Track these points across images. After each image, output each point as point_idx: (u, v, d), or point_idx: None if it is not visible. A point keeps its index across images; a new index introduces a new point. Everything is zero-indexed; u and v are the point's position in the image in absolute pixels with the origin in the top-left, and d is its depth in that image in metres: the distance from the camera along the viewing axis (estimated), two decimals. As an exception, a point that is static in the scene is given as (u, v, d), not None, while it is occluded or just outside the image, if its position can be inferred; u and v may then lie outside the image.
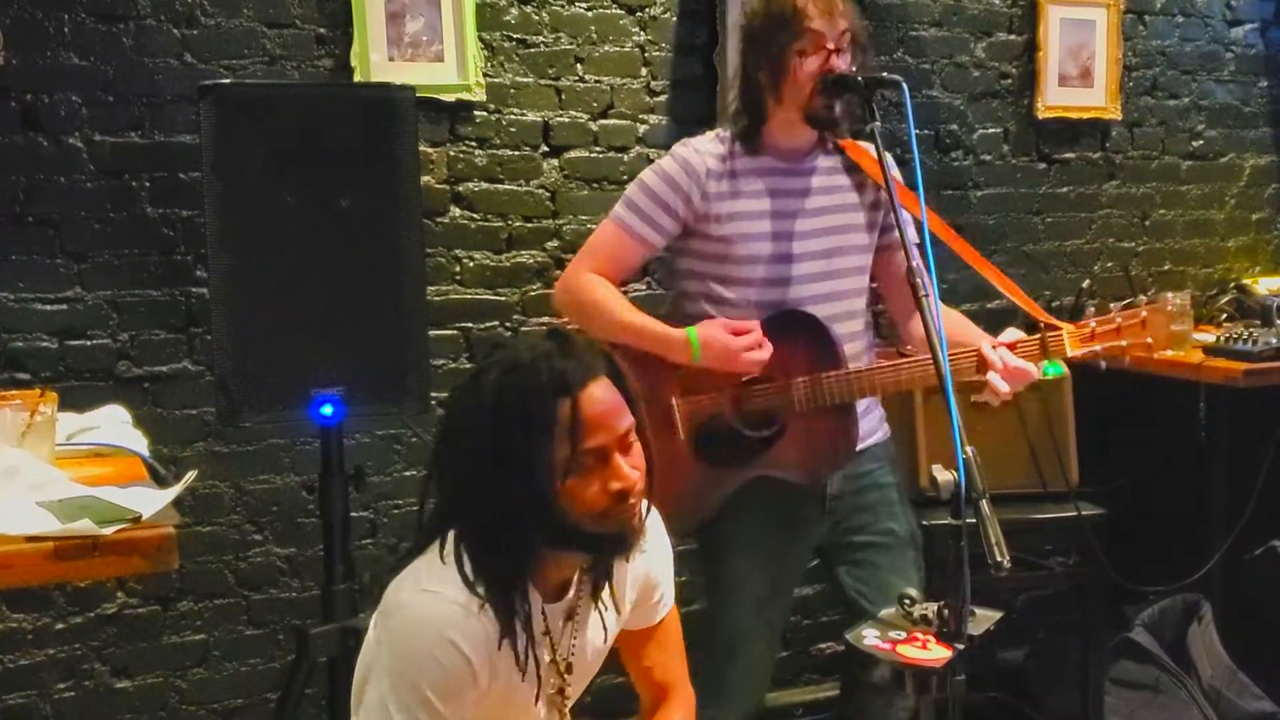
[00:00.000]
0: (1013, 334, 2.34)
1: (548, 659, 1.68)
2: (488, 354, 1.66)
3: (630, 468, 1.59)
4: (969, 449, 1.81)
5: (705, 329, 2.27)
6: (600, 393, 1.58)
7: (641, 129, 3.23)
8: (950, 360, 2.18)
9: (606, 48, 3.19)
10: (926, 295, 1.96)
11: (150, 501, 1.58)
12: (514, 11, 3.08)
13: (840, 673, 2.54)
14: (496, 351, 1.63)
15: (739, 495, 2.35)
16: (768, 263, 2.35)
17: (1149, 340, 2.24)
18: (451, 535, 1.60)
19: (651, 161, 3.16)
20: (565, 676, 1.71)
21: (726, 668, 2.39)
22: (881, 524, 2.46)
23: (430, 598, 1.55)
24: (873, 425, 2.47)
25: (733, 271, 2.35)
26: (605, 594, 1.73)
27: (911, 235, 2.29)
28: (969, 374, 2.28)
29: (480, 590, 1.55)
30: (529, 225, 3.15)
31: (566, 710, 1.74)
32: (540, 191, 3.15)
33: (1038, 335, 2.29)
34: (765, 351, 2.25)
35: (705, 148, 2.36)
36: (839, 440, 2.36)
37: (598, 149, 3.20)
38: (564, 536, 1.59)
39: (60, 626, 2.83)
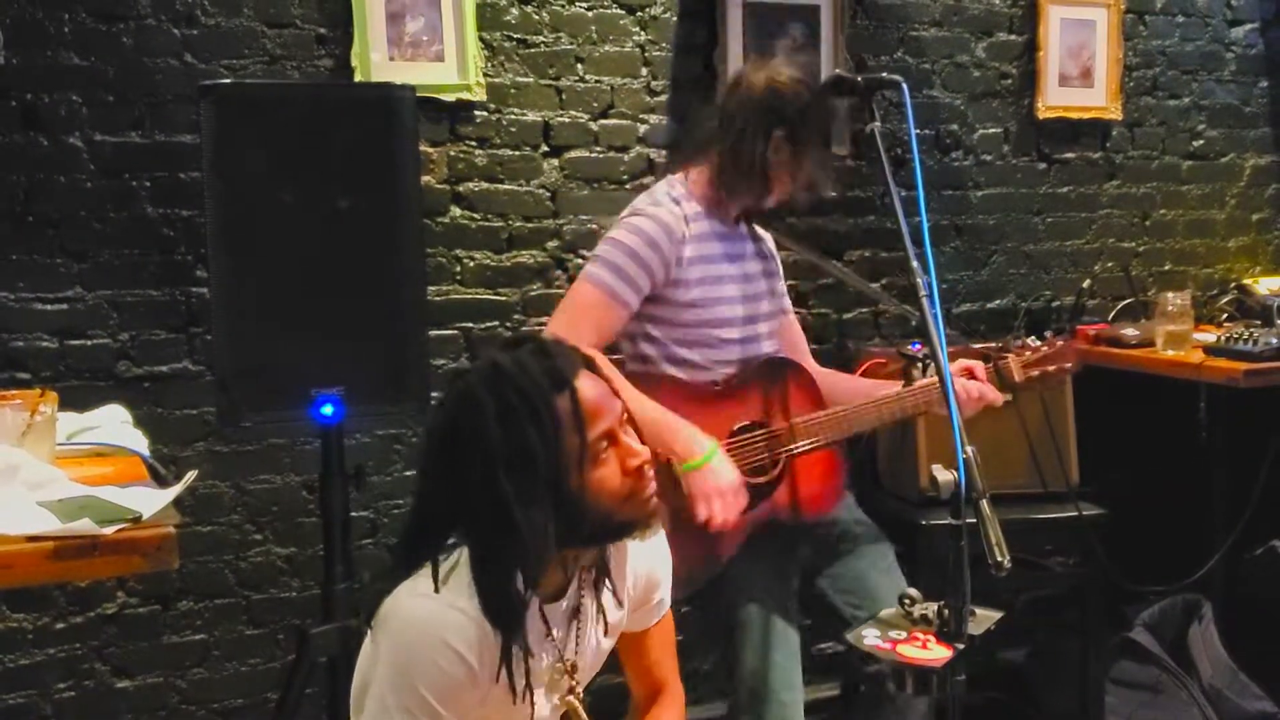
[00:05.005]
0: (967, 362, 2.48)
1: (553, 660, 1.68)
2: (458, 375, 1.63)
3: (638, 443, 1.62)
4: (969, 449, 1.82)
5: (724, 458, 2.23)
6: (590, 381, 1.60)
7: (641, 129, 3.23)
8: (925, 392, 2.37)
9: (606, 48, 3.19)
10: (926, 295, 1.96)
11: (150, 501, 1.58)
12: (514, 11, 3.08)
13: (843, 675, 2.54)
14: (469, 374, 1.60)
15: (747, 545, 2.35)
16: (734, 324, 2.40)
17: (1068, 365, 2.55)
18: (451, 548, 1.60)
19: (652, 163, 3.20)
20: (573, 676, 1.72)
21: (763, 706, 2.33)
22: (850, 530, 2.53)
23: (429, 602, 1.55)
24: None
25: (696, 334, 2.37)
26: (606, 592, 1.73)
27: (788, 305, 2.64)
28: (938, 406, 2.35)
29: (480, 602, 1.55)
30: (529, 225, 3.15)
31: (579, 707, 1.74)
32: (540, 191, 3.15)
33: (990, 364, 2.49)
34: (733, 523, 2.22)
35: (676, 210, 2.37)
36: (834, 474, 2.44)
37: (598, 149, 3.20)
38: (592, 531, 1.59)
39: (60, 626, 2.83)
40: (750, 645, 2.33)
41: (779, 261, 2.63)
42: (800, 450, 2.36)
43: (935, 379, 2.34)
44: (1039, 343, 2.56)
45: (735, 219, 2.49)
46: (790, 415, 2.37)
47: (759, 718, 2.31)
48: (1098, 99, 3.77)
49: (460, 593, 1.55)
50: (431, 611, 1.54)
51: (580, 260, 3.09)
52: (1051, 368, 2.53)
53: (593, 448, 1.56)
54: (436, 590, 1.56)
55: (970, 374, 2.44)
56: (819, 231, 3.40)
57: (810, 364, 2.64)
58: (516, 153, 3.12)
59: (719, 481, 2.20)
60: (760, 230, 2.57)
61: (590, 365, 1.64)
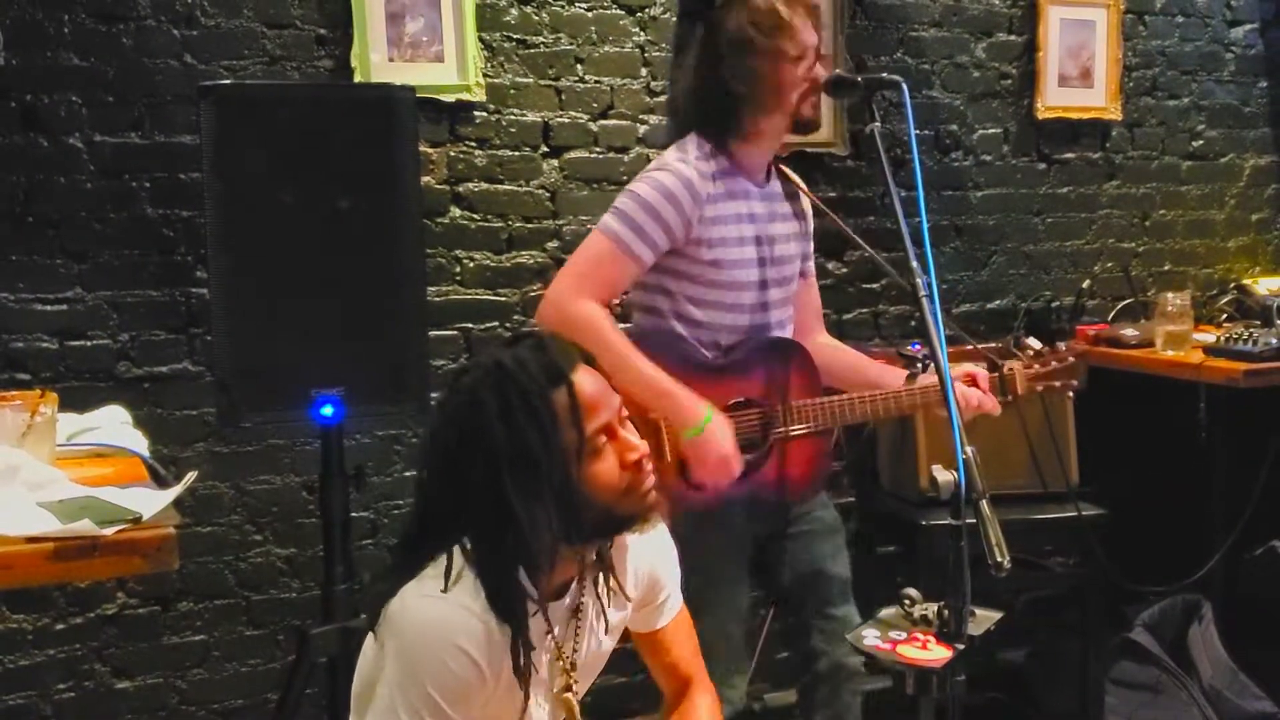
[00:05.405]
0: (971, 368, 2.47)
1: (552, 658, 1.68)
2: (460, 375, 1.64)
3: (636, 437, 1.63)
4: (969, 449, 1.82)
5: (721, 424, 2.25)
6: (588, 375, 1.61)
7: (641, 129, 3.23)
8: (923, 393, 2.36)
9: (606, 48, 3.19)
10: (927, 296, 1.96)
11: (150, 502, 1.58)
12: (514, 12, 3.08)
13: (798, 677, 2.56)
14: (470, 371, 1.62)
15: (716, 516, 2.34)
16: (748, 289, 2.37)
17: (1074, 382, 2.53)
18: (455, 547, 1.60)
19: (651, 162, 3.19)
20: (571, 674, 1.72)
21: (719, 674, 2.36)
22: (814, 512, 2.50)
23: (438, 604, 1.55)
24: None
25: (712, 295, 2.34)
26: (606, 591, 1.73)
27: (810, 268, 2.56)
28: (936, 406, 2.34)
29: (487, 598, 1.55)
30: (529, 226, 3.15)
31: (576, 706, 1.75)
32: (540, 192, 3.16)
33: (995, 373, 2.46)
34: (730, 481, 2.25)
35: (701, 168, 2.30)
36: (818, 462, 2.42)
37: (598, 149, 3.20)
38: (593, 526, 1.60)
39: (60, 627, 2.83)
40: (711, 621, 2.33)
41: (811, 222, 2.56)
42: (791, 434, 2.36)
43: (936, 379, 2.35)
44: (1043, 346, 2.55)
45: (767, 171, 2.43)
46: (786, 398, 2.36)
47: (714, 682, 2.32)
48: (1097, 99, 3.77)
49: (467, 593, 1.55)
50: (441, 613, 1.55)
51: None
52: (1057, 383, 2.52)
53: (590, 442, 1.57)
54: (445, 590, 1.56)
55: (972, 380, 2.42)
56: (818, 232, 3.39)
57: (820, 331, 2.62)
58: (516, 153, 3.12)
59: (715, 449, 2.23)
60: (801, 191, 2.51)
61: (589, 359, 1.64)
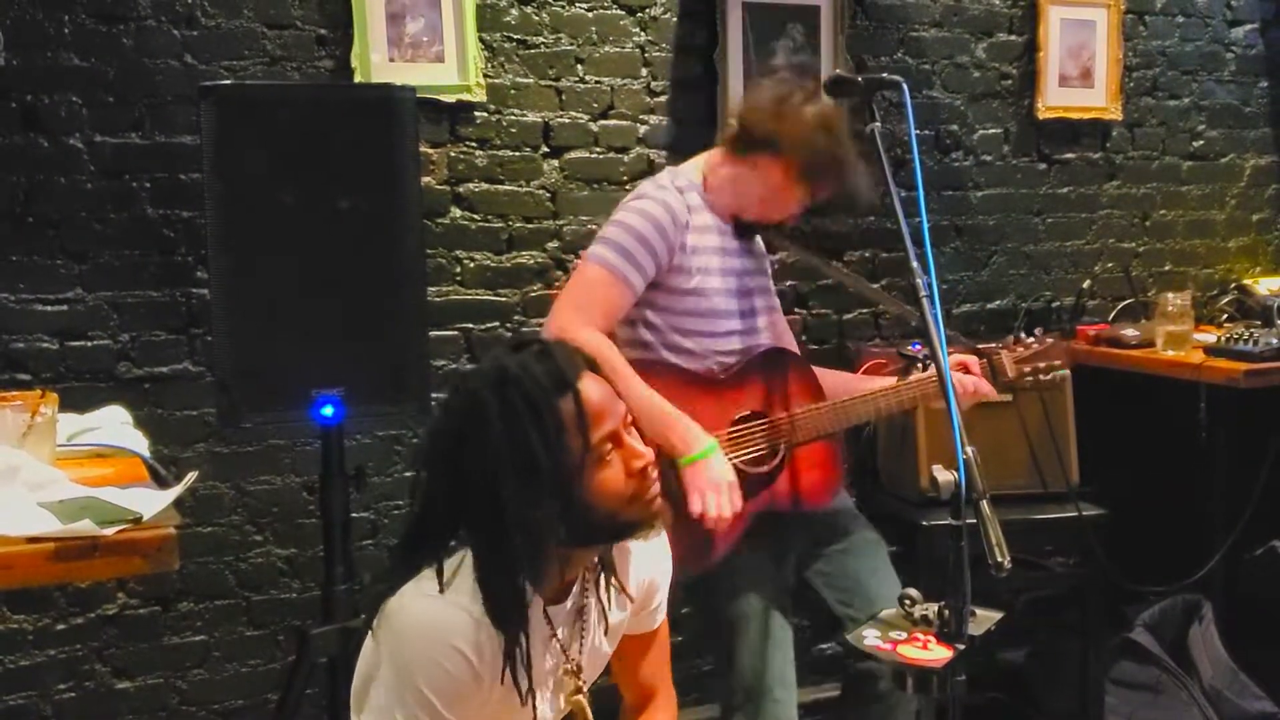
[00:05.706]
0: (962, 356, 2.51)
1: (557, 660, 1.68)
2: (463, 379, 1.65)
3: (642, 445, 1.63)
4: (969, 449, 1.82)
5: (721, 457, 2.25)
6: (594, 383, 1.60)
7: (642, 129, 3.23)
8: (921, 385, 2.39)
9: (606, 48, 3.19)
10: (927, 296, 1.97)
11: (151, 502, 1.58)
12: (514, 12, 3.08)
13: (841, 676, 2.55)
14: (473, 376, 1.62)
15: (741, 536, 2.34)
16: (731, 316, 2.40)
17: (1059, 362, 2.59)
18: (454, 549, 1.60)
19: (652, 163, 3.20)
20: (579, 677, 1.72)
21: (758, 704, 2.36)
22: (851, 532, 2.52)
23: (434, 603, 1.55)
24: None
25: (699, 325, 2.37)
26: (608, 593, 1.73)
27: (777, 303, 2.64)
28: (935, 399, 2.38)
29: (484, 604, 1.55)
30: (529, 226, 3.15)
31: (589, 710, 1.75)
32: (540, 192, 3.16)
33: (984, 359, 2.51)
34: (728, 519, 2.23)
35: (680, 198, 2.37)
36: (831, 466, 2.45)
37: (598, 149, 3.20)
38: (597, 531, 1.60)
39: (61, 627, 2.83)
40: (747, 644, 2.34)
41: (769, 262, 2.65)
42: (799, 441, 2.36)
43: (930, 373, 2.38)
44: (1032, 340, 2.58)
45: (728, 219, 2.48)
46: (790, 406, 2.38)
47: (754, 715, 2.32)
48: (1098, 99, 3.77)
49: (465, 593, 1.55)
50: (437, 612, 1.55)
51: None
52: (1042, 364, 2.55)
53: (596, 450, 1.57)
54: (441, 591, 1.56)
55: (965, 368, 2.46)
56: (819, 232, 3.40)
57: None
58: (517, 153, 3.12)
59: (715, 477, 2.21)
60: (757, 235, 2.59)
61: (593, 366, 1.64)
